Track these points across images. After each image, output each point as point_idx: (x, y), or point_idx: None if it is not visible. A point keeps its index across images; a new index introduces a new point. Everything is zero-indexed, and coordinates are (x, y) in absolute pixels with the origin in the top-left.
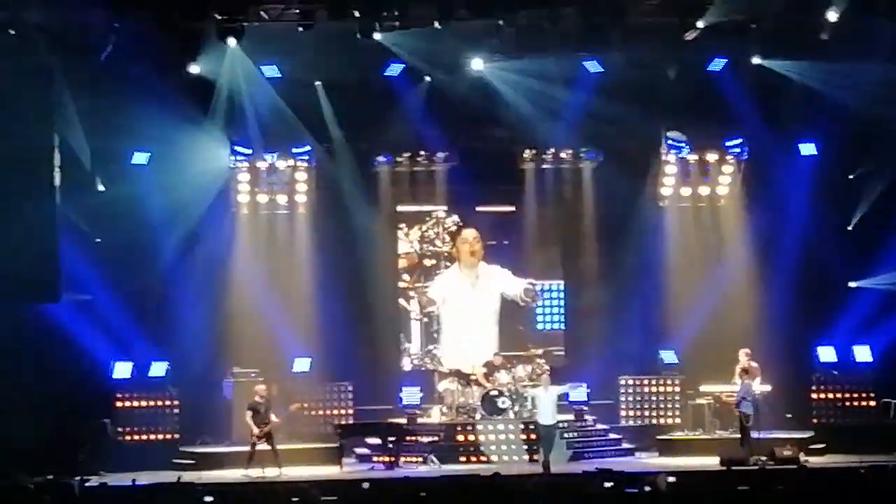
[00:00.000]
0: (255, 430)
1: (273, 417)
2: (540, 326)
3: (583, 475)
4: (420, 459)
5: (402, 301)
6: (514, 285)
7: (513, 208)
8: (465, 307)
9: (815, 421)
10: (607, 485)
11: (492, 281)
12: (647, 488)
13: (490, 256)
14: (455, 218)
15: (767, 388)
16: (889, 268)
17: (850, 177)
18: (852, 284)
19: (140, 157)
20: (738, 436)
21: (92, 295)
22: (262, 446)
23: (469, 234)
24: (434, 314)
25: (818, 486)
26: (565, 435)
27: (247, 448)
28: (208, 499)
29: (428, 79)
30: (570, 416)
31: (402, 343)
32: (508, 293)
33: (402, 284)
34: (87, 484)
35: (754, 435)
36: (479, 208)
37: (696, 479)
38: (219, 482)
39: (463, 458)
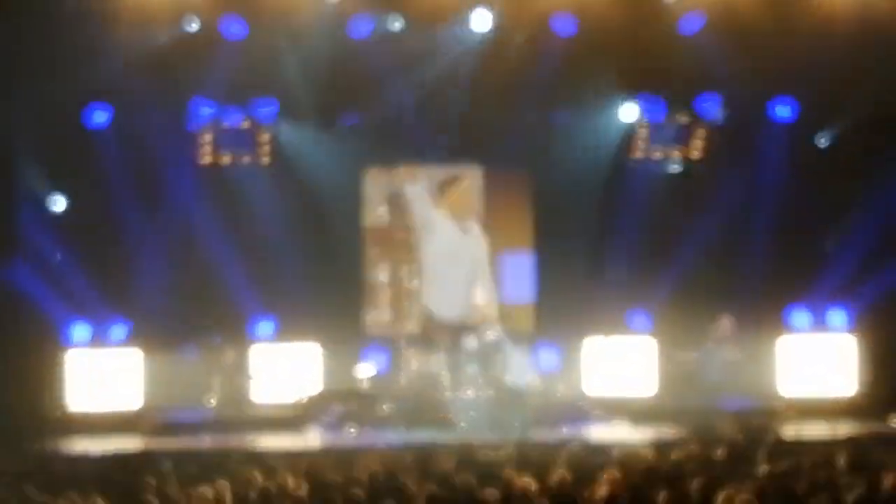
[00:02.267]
0: (221, 396)
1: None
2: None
3: (553, 443)
4: (387, 426)
5: (372, 272)
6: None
7: (482, 168)
8: (455, 252)
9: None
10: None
11: (483, 239)
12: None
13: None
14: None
15: (739, 354)
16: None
17: (822, 141)
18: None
19: (100, 116)
20: (711, 403)
21: (49, 255)
22: (227, 412)
23: (467, 184)
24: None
25: (796, 455)
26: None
27: (208, 414)
28: (167, 464)
29: (397, 25)
30: (538, 383)
31: (370, 313)
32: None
33: (370, 255)
34: (46, 450)
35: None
36: (444, 167)
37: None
38: (180, 449)
39: (430, 426)
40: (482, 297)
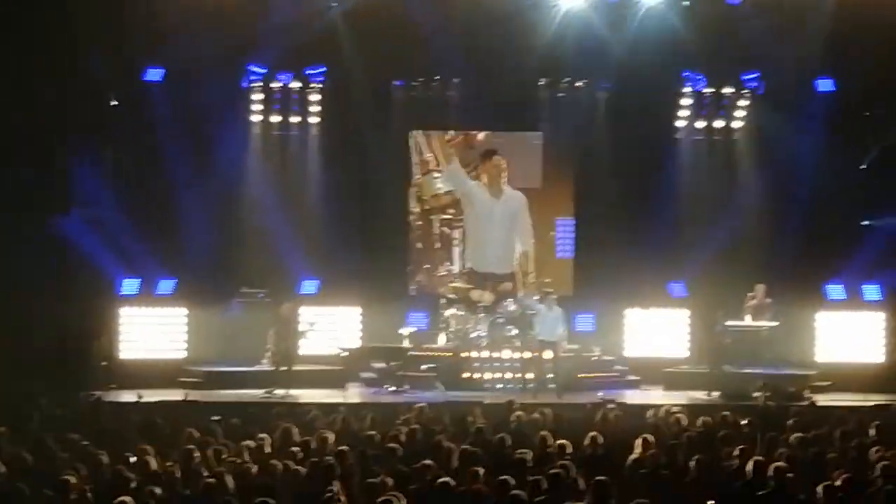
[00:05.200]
0: (274, 350)
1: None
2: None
3: (588, 405)
4: (425, 385)
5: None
6: (526, 224)
7: (525, 135)
8: (490, 216)
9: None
10: (611, 406)
11: (516, 201)
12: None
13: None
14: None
15: (775, 323)
16: None
17: (867, 114)
18: (865, 223)
19: (154, 74)
20: (742, 371)
21: (101, 209)
22: (270, 367)
23: (499, 160)
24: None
25: (828, 421)
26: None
27: (251, 368)
28: (215, 417)
29: None
30: (576, 346)
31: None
32: (519, 225)
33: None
34: (92, 399)
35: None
36: (491, 135)
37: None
38: (224, 401)
39: (468, 385)
40: (520, 247)
